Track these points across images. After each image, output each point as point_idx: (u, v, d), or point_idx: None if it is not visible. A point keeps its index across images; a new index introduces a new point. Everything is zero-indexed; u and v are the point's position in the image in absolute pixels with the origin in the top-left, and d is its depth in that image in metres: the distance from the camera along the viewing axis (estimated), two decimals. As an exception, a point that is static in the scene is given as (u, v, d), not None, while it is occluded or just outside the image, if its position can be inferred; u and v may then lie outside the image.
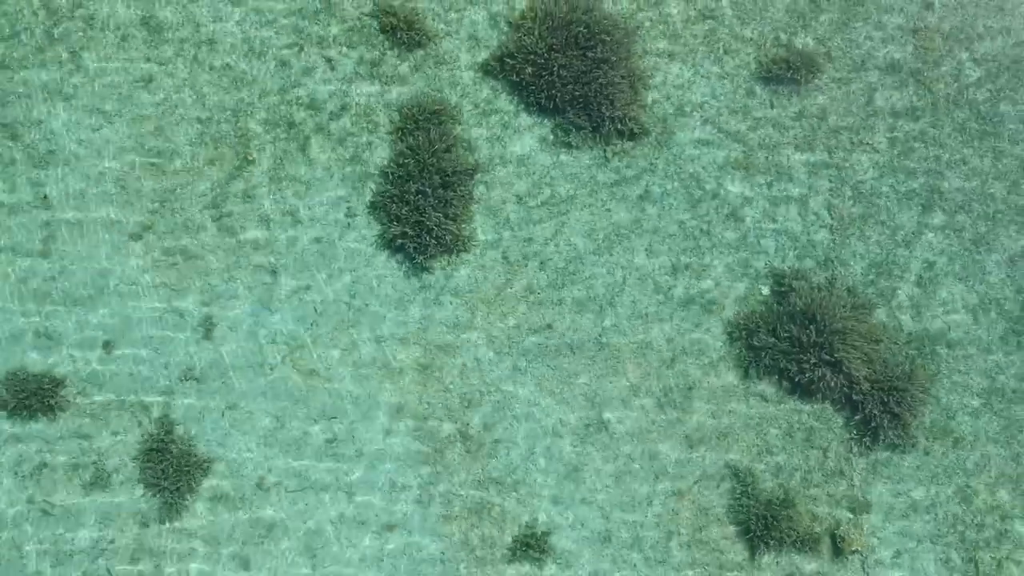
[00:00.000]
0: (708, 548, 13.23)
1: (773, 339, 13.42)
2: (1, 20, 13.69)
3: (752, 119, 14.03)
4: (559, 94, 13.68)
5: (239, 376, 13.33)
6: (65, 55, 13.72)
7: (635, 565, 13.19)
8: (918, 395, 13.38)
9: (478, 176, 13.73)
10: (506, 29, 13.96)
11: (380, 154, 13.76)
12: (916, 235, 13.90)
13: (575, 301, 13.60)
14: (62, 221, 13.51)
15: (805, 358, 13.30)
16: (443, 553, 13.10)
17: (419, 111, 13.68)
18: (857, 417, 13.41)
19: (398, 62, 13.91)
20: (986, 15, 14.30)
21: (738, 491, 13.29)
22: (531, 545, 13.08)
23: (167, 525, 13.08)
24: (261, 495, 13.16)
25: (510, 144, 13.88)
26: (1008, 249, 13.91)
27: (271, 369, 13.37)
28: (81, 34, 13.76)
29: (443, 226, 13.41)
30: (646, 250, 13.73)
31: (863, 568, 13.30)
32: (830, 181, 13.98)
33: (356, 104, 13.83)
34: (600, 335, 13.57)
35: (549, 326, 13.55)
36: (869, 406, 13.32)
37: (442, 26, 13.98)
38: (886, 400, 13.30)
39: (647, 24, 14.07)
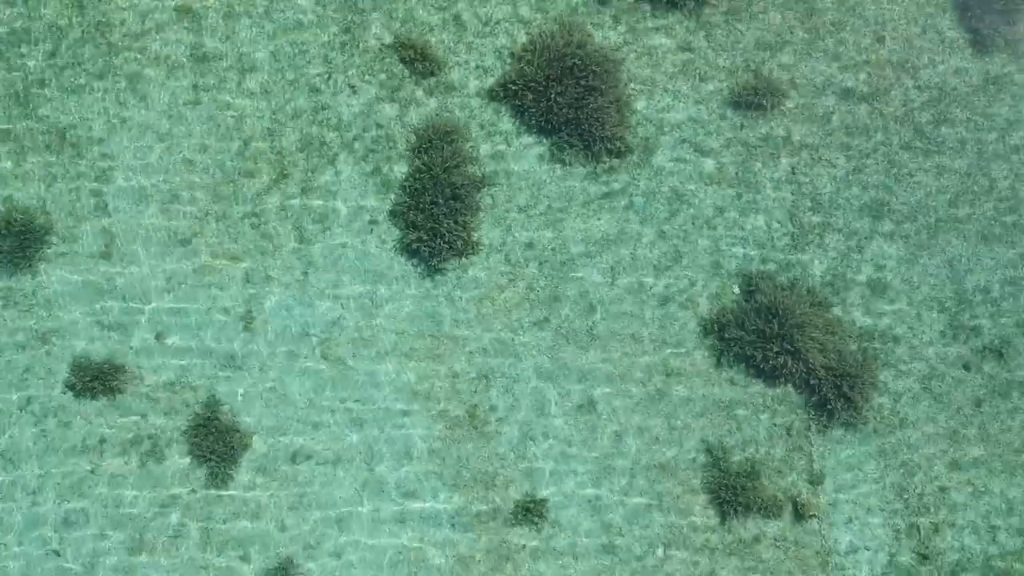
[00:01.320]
0: (684, 513, 15.18)
1: (741, 332, 15.38)
2: (68, 51, 15.62)
3: (724, 139, 16.00)
4: (555, 117, 15.64)
5: (275, 363, 15.26)
6: (123, 82, 15.65)
7: (620, 529, 15.13)
8: (868, 381, 15.34)
9: (485, 188, 15.69)
10: (509, 60, 15.93)
11: (399, 169, 15.71)
12: (868, 241, 15.88)
13: (569, 298, 15.55)
14: (120, 227, 15.43)
15: (769, 348, 15.26)
16: (454, 518, 15.03)
17: (433, 131, 15.64)
18: (814, 399, 15.37)
19: (414, 88, 15.87)
20: (930, 48, 16.29)
21: (711, 464, 15.24)
22: (531, 510, 15.02)
23: (213, 492, 14.99)
24: (295, 467, 15.08)
25: (512, 160, 15.84)
26: (948, 254, 15.89)
27: (303, 357, 15.30)
28: (136, 63, 15.70)
29: (454, 232, 15.36)
30: (630, 254, 15.69)
31: (820, 531, 15.26)
32: (792, 194, 15.95)
33: (377, 125, 15.79)
34: (591, 327, 15.52)
35: (546, 319, 15.51)
36: (825, 390, 15.27)
37: (453, 57, 15.95)
38: (840, 385, 15.25)
39: (632, 56, 16.05)
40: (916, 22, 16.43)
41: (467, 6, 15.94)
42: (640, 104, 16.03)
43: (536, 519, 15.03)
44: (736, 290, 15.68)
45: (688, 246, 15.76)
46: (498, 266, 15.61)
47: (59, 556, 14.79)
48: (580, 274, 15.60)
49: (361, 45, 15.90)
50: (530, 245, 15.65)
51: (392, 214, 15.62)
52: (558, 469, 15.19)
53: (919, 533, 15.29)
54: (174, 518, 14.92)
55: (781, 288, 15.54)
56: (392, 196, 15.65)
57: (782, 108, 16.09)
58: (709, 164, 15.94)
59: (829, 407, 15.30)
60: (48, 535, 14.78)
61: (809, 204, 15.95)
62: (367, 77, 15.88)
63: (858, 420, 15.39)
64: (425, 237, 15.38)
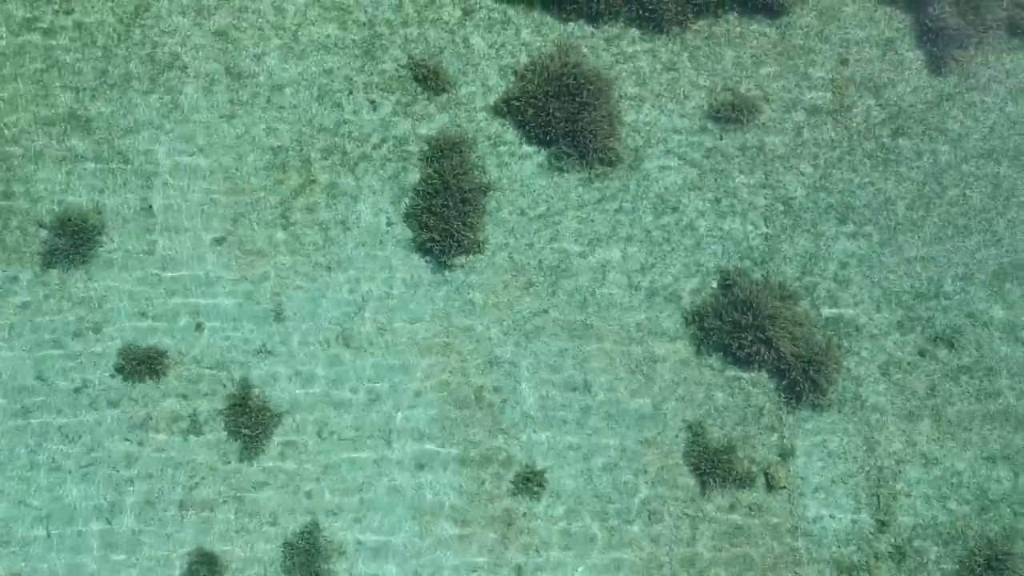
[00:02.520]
0: (668, 484, 16.96)
1: (719, 322, 17.19)
2: (116, 69, 17.44)
3: (705, 149, 17.84)
4: (553, 129, 17.49)
5: (302, 349, 17.05)
6: (166, 97, 17.49)
7: (611, 498, 16.90)
8: (832, 366, 17.15)
9: (490, 193, 17.51)
10: (512, 79, 17.77)
11: (412, 176, 17.54)
12: (833, 241, 17.70)
13: (565, 292, 17.37)
14: (163, 228, 17.24)
15: (744, 337, 17.06)
16: (461, 486, 16.81)
17: (443, 142, 17.48)
18: (784, 383, 17.17)
19: (427, 104, 17.71)
20: (889, 70, 18.15)
21: (691, 440, 17.03)
22: (530, 480, 16.79)
23: (245, 464, 16.77)
24: (320, 441, 16.86)
25: (515, 168, 17.67)
26: (905, 253, 17.71)
27: (327, 344, 17.10)
28: (178, 81, 17.54)
29: (462, 232, 17.19)
30: (621, 252, 17.51)
31: (789, 500, 17.04)
32: (766, 198, 17.79)
33: (394, 137, 17.63)
34: (585, 318, 17.33)
35: (545, 311, 17.32)
36: (794, 374, 17.08)
37: (461, 76, 17.80)
38: (807, 370, 17.05)
39: (622, 75, 17.90)
40: (877, 46, 18.29)
41: (475, 30, 17.80)
42: (629, 118, 17.87)
43: (535, 488, 16.80)
44: (714, 285, 17.49)
45: (672, 245, 17.57)
46: (502, 263, 17.42)
47: (109, 524, 16.54)
48: (575, 271, 17.41)
49: (380, 65, 17.75)
50: (530, 244, 17.47)
51: (407, 216, 17.43)
52: (555, 444, 16.98)
53: (878, 502, 17.06)
54: (212, 487, 16.67)
55: (755, 283, 17.34)
56: (407, 200, 17.47)
57: (756, 122, 17.93)
58: (691, 172, 17.78)
59: (798, 390, 17.09)
60: (100, 503, 16.53)
61: (781, 208, 17.78)
62: (385, 94, 17.71)
63: (824, 401, 17.17)
64: (437, 237, 17.20)
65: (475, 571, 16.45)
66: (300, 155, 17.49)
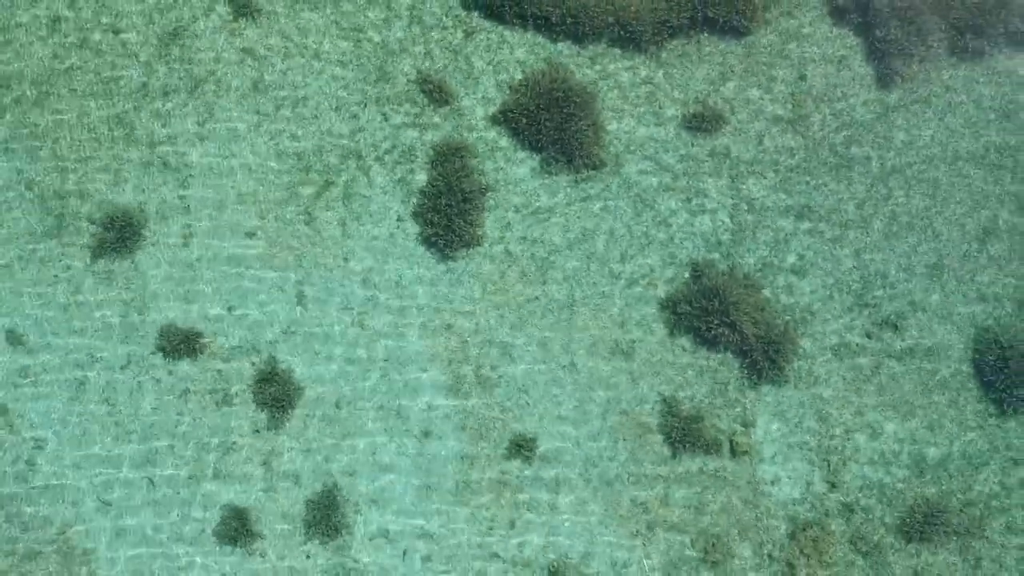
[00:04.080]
0: (644, 449, 19.26)
1: (690, 308, 19.48)
2: (158, 83, 19.72)
3: (678, 155, 20.14)
4: (544, 137, 19.78)
5: (322, 331, 19.33)
6: (201, 107, 19.77)
7: (594, 463, 19.19)
8: (789, 347, 19.44)
9: (488, 193, 19.81)
10: (507, 92, 20.07)
11: (420, 178, 19.83)
12: (791, 236, 20.00)
13: (554, 280, 19.67)
14: (198, 223, 19.51)
15: (712, 321, 19.35)
16: (462, 452, 19.09)
17: (447, 148, 19.77)
18: (747, 362, 19.46)
19: (432, 114, 20.00)
20: (842, 84, 20.45)
21: (665, 411, 19.33)
22: (523, 447, 19.08)
23: (271, 431, 19.02)
24: (336, 412, 19.14)
25: (510, 171, 19.97)
26: (855, 247, 20.01)
27: (344, 326, 19.39)
28: (212, 93, 19.82)
29: (463, 228, 19.47)
30: (604, 246, 19.81)
31: (751, 464, 19.33)
32: (732, 199, 20.09)
33: (403, 143, 19.92)
34: (572, 304, 19.62)
35: (536, 297, 19.61)
36: (755, 354, 19.37)
37: (463, 90, 20.09)
38: (767, 350, 19.34)
39: (604, 89, 20.20)
40: (831, 63, 20.61)
41: (475, 50, 20.10)
42: (612, 127, 20.17)
43: (527, 454, 19.10)
44: (686, 275, 19.78)
45: (649, 239, 19.88)
46: (498, 255, 19.71)
47: (152, 484, 18.80)
48: (563, 262, 19.71)
49: (391, 80, 20.04)
50: (524, 238, 19.77)
51: (414, 214, 19.71)
52: (546, 414, 19.27)
53: (829, 466, 19.35)
54: (242, 452, 18.96)
55: (721, 273, 19.65)
56: (414, 199, 19.76)
57: (724, 130, 20.24)
58: (666, 175, 20.08)
59: (758, 367, 19.39)
60: (145, 466, 18.80)
61: (745, 207, 20.08)
62: (395, 105, 20.01)
63: (781, 378, 19.46)
64: (441, 232, 19.49)
65: (473, 524, 18.74)
66: (320, 159, 19.77)
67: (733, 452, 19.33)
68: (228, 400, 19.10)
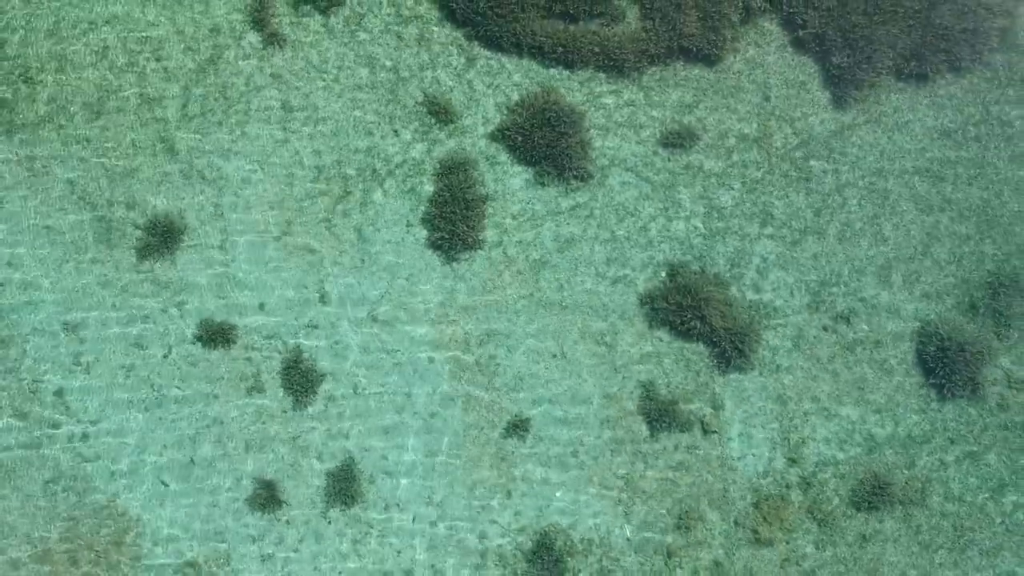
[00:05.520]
0: (626, 429, 21.72)
1: (666, 304, 21.94)
2: (196, 103, 22.21)
3: (656, 169, 22.65)
4: (537, 152, 22.25)
5: (342, 324, 21.81)
6: (234, 126, 22.26)
7: (582, 441, 21.66)
8: (754, 338, 21.87)
9: (488, 202, 22.30)
10: (505, 112, 22.57)
11: (427, 188, 22.31)
12: (756, 240, 22.49)
13: (546, 279, 22.15)
14: (232, 228, 21.98)
15: (685, 315, 21.80)
16: (465, 429, 21.58)
17: (451, 162, 22.24)
18: (716, 351, 21.90)
19: (439, 132, 22.51)
20: (802, 105, 22.93)
21: (644, 395, 21.80)
22: (518, 426, 21.52)
23: (296, 412, 21.51)
24: (354, 396, 21.63)
25: (508, 183, 22.46)
26: (812, 250, 22.46)
27: (360, 320, 21.87)
28: (243, 113, 22.31)
29: (466, 233, 21.94)
30: (590, 248, 22.30)
31: (719, 442, 21.80)
32: (704, 207, 22.57)
33: (412, 158, 22.42)
34: (561, 300, 22.09)
35: (530, 294, 22.08)
36: (724, 345, 21.82)
37: (466, 110, 22.59)
38: (734, 342, 21.78)
39: (591, 110, 22.70)
40: (792, 87, 23.06)
41: (476, 75, 22.60)
42: (597, 143, 22.68)
43: (523, 432, 21.56)
44: (663, 274, 22.25)
45: (630, 243, 22.37)
46: (497, 257, 22.21)
47: (193, 464, 21.27)
48: (554, 262, 22.20)
49: (402, 101, 22.55)
50: (519, 242, 22.25)
51: (423, 220, 22.19)
52: (538, 398, 21.75)
53: (789, 444, 21.82)
54: (270, 430, 21.44)
55: (694, 273, 22.13)
56: (423, 208, 22.24)
57: (697, 147, 22.72)
58: (645, 186, 22.59)
59: (727, 356, 21.82)
60: (185, 443, 21.28)
61: (715, 214, 22.58)
62: (405, 124, 22.51)
63: (747, 366, 21.89)
64: (446, 236, 21.96)
65: (474, 493, 21.24)
66: (339, 172, 22.25)
67: (704, 431, 21.72)
68: (259, 386, 21.54)
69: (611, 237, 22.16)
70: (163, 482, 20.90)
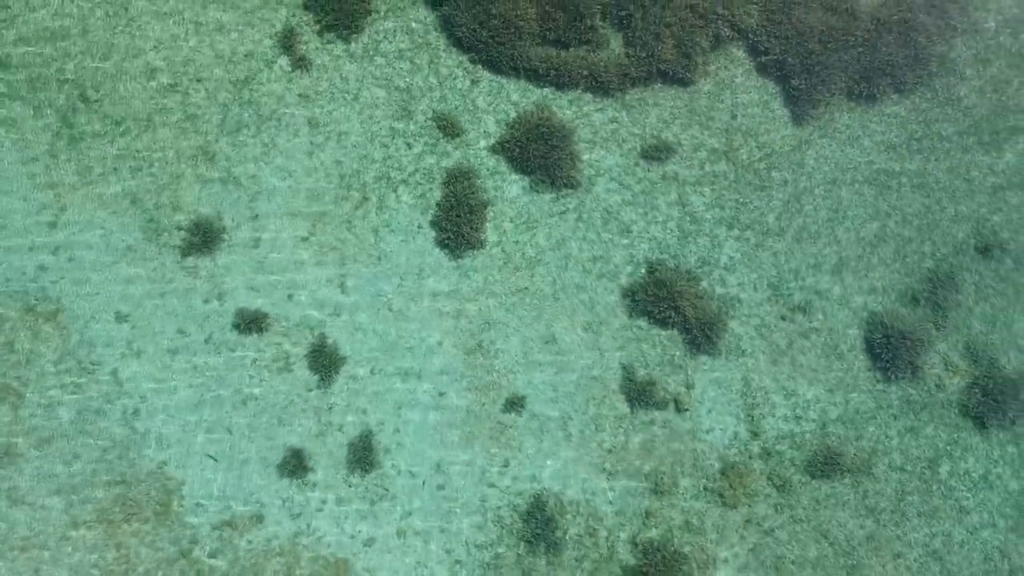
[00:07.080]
0: (608, 406, 24.78)
1: (645, 296, 25.00)
2: (232, 119, 25.25)
3: (636, 178, 25.72)
4: (532, 163, 25.30)
5: (361, 314, 24.81)
6: (267, 139, 25.30)
7: (571, 416, 24.70)
8: (721, 327, 24.89)
9: (488, 207, 25.34)
10: (504, 127, 25.62)
11: (435, 195, 25.36)
12: (724, 241, 25.56)
13: (540, 275, 25.20)
14: (264, 228, 25.01)
15: (662, 306, 24.85)
16: (468, 407, 24.60)
17: (457, 171, 25.28)
18: (688, 338, 24.95)
19: (446, 144, 25.55)
20: (765, 121, 26.01)
21: (625, 376, 24.85)
22: (515, 403, 24.53)
23: (321, 391, 24.54)
24: (371, 376, 24.65)
25: (506, 189, 25.52)
26: (773, 249, 25.56)
27: (377, 310, 24.90)
28: (275, 127, 25.35)
29: (470, 234, 24.97)
30: (578, 248, 25.36)
31: (691, 418, 24.84)
32: (679, 212, 25.64)
33: (423, 168, 25.46)
34: (553, 293, 25.13)
35: (526, 288, 25.13)
36: (694, 331, 24.86)
37: (469, 126, 25.65)
38: (704, 329, 24.83)
39: (580, 126, 25.76)
40: (757, 106, 26.11)
41: (479, 94, 25.66)
42: (585, 156, 25.74)
43: (519, 408, 24.57)
44: (642, 271, 25.30)
45: (614, 244, 25.42)
46: (497, 255, 25.25)
47: (231, 434, 24.26)
48: (546, 260, 25.24)
49: (413, 118, 25.60)
50: (516, 242, 25.29)
51: (432, 222, 25.21)
52: (533, 379, 24.78)
53: (752, 419, 24.83)
54: (298, 406, 24.46)
55: (670, 269, 25.17)
56: (432, 211, 25.27)
57: (672, 159, 25.78)
58: (627, 193, 25.65)
59: (698, 343, 24.84)
60: (224, 418, 24.28)
61: (688, 219, 25.64)
62: (416, 138, 25.56)
63: (715, 351, 24.89)
64: (452, 237, 24.99)
65: (476, 462, 24.30)
66: (359, 180, 25.29)
67: (678, 408, 24.71)
68: (287, 367, 24.54)
69: (597, 238, 25.15)
70: (212, 456, 23.85)
